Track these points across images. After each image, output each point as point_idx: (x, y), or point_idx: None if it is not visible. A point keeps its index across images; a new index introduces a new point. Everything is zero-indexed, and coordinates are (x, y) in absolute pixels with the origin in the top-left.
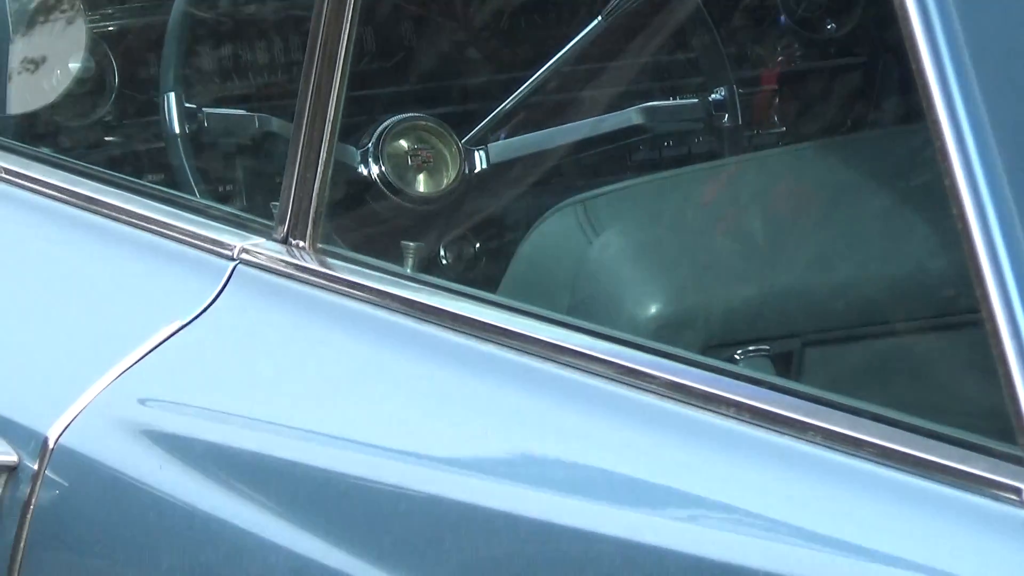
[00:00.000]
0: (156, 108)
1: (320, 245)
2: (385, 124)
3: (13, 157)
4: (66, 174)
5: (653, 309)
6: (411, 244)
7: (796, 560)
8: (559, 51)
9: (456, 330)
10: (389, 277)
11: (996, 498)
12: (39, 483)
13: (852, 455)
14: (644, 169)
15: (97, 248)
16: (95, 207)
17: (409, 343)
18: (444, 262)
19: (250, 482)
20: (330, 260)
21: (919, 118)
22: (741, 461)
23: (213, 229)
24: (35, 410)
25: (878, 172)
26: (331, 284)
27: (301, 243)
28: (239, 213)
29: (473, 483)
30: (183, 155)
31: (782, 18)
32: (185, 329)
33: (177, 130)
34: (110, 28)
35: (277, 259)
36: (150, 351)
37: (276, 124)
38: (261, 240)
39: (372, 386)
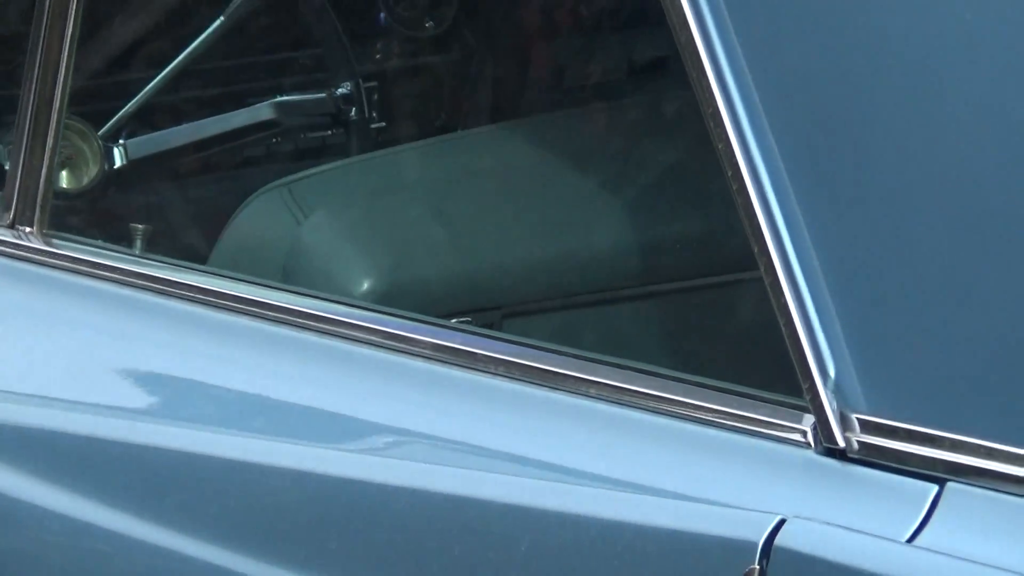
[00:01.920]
0: None
1: (47, 230)
2: None
3: None
4: None
5: (366, 285)
6: (139, 227)
7: (598, 501)
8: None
9: (189, 299)
10: (115, 254)
11: (785, 441)
12: None
13: (631, 406)
14: (286, 160)
15: None
16: None
17: (144, 313)
18: None
19: (15, 452)
20: (58, 242)
21: (570, 105)
22: (520, 417)
23: None
24: None
25: (559, 155)
26: (60, 263)
27: (28, 228)
28: None
29: (228, 439)
30: None
31: (381, 16)
32: None
33: None
34: None
35: (7, 243)
36: None
37: None
38: None
39: (111, 353)
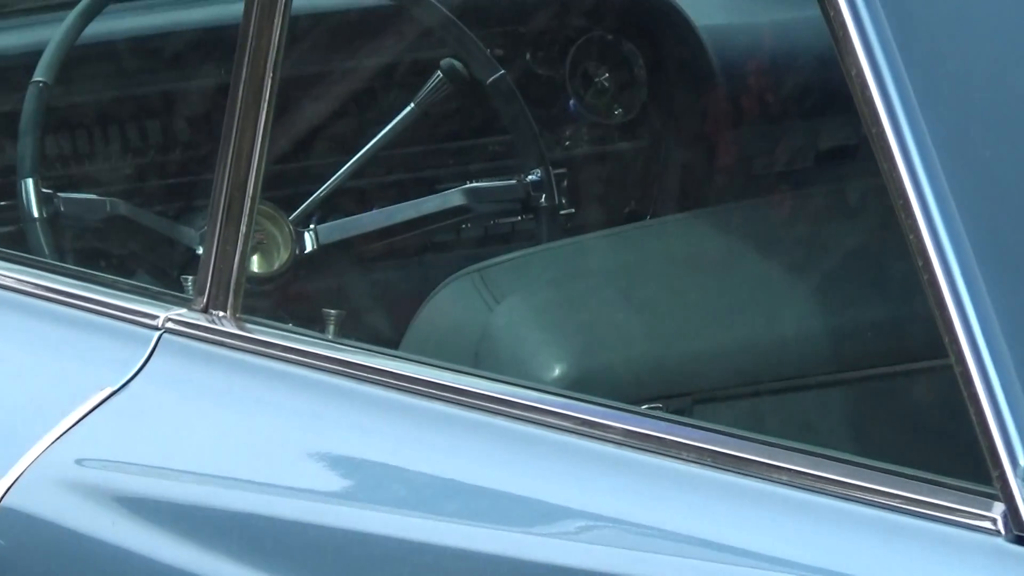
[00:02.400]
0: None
1: (241, 315)
2: None
3: None
4: None
5: (558, 370)
6: (332, 312)
7: None
8: (377, 135)
9: (382, 383)
10: (308, 338)
11: (974, 528)
12: None
13: (820, 492)
14: (475, 245)
15: (19, 322)
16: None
17: (337, 396)
18: None
19: (210, 534)
20: (252, 327)
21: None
22: (711, 502)
23: (135, 301)
24: None
25: (747, 242)
26: (254, 347)
27: (222, 313)
28: (152, 287)
29: (421, 523)
30: (42, 237)
31: (571, 103)
32: (117, 394)
33: (36, 214)
34: None
35: (201, 327)
36: (85, 415)
37: (124, 207)
38: (184, 310)
39: (304, 436)
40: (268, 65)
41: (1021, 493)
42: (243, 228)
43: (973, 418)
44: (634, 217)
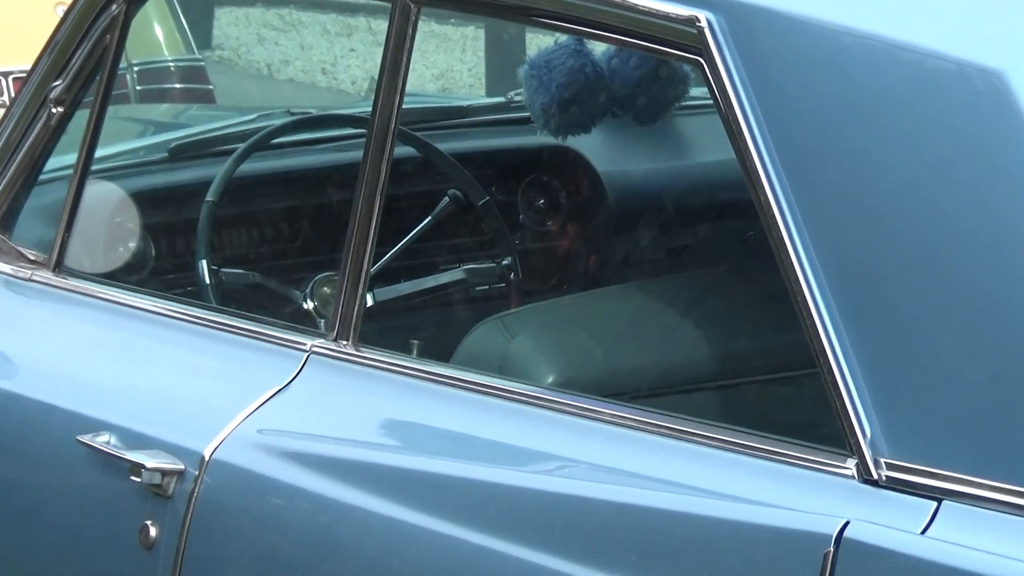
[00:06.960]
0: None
1: (360, 343)
2: (315, 278)
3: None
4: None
5: (551, 378)
6: (415, 341)
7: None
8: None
9: (445, 383)
10: (404, 360)
11: (839, 475)
12: (199, 483)
13: (728, 449)
14: (467, 302)
15: (208, 345)
16: (213, 324)
17: (421, 393)
18: None
19: (344, 476)
20: (365, 350)
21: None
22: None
23: (289, 332)
24: (192, 436)
25: (669, 301)
26: (368, 363)
27: (345, 341)
28: (298, 325)
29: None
30: (211, 296)
31: (521, 217)
32: (282, 391)
33: (207, 281)
34: (152, 221)
35: (334, 350)
36: (263, 402)
37: (259, 277)
38: (322, 340)
39: (404, 416)
40: (378, 189)
41: (868, 453)
42: (360, 290)
43: (838, 409)
44: (559, 285)
